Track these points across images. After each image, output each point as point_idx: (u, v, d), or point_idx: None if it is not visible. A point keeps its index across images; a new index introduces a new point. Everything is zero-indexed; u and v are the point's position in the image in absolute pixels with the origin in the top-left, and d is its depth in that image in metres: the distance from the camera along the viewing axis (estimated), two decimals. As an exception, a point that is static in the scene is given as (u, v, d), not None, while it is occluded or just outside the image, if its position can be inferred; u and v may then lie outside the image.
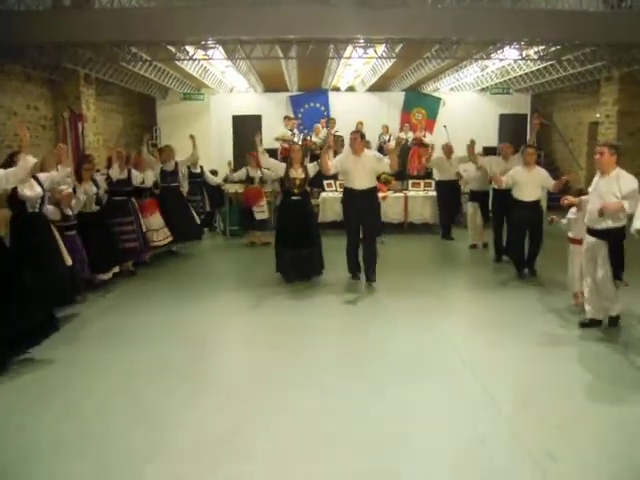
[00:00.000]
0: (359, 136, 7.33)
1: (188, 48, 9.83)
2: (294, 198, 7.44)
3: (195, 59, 10.62)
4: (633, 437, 3.60)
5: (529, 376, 4.61)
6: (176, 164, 9.56)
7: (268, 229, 10.32)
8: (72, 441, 3.64)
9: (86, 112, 11.30)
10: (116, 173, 7.89)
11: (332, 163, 7.35)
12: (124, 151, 8.45)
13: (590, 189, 5.48)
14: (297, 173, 7.37)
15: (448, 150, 10.48)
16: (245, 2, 8.47)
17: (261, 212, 10.24)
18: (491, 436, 3.64)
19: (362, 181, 7.24)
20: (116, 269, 7.62)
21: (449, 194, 10.61)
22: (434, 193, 11.50)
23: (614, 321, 5.55)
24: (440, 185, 10.90)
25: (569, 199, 5.96)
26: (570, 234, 6.14)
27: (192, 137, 9.77)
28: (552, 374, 4.61)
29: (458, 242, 10.38)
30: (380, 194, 10.81)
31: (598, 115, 13.33)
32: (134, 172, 8.21)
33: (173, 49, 9.69)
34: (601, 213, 5.08)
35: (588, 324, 5.58)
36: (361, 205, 7.27)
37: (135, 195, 8.28)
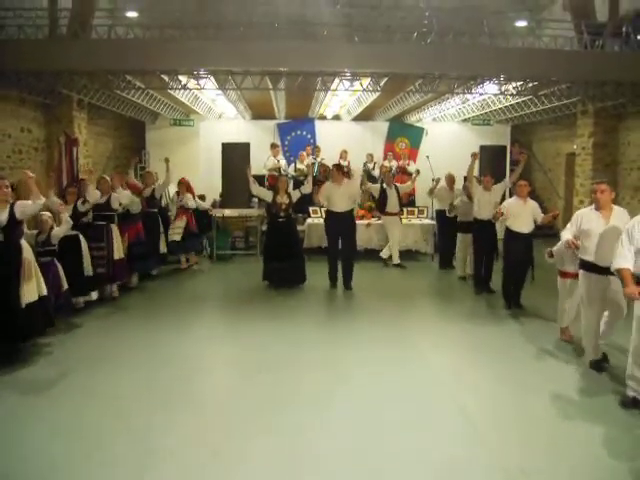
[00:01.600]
0: (336, 169, 9.17)
1: (181, 77, 10.14)
2: (280, 220, 8.89)
3: (187, 88, 10.93)
4: (597, 458, 3.87)
5: (508, 402, 4.80)
6: (153, 189, 9.77)
7: (185, 251, 10.57)
8: (62, 462, 3.78)
9: (78, 135, 11.55)
10: (93, 196, 7.80)
11: (322, 196, 8.99)
12: (107, 177, 8.42)
13: (589, 227, 5.35)
14: (283, 199, 8.83)
15: (450, 180, 10.49)
16: (237, 35, 8.86)
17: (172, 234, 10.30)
18: (466, 453, 3.90)
19: (342, 205, 8.89)
20: (95, 295, 7.62)
21: (448, 224, 10.29)
22: (418, 221, 11.82)
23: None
24: (440, 214, 10.76)
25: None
26: (560, 267, 6.17)
27: (166, 160, 9.87)
28: (531, 400, 4.82)
29: (445, 273, 10.49)
30: (365, 221, 11.36)
31: (575, 147, 13.82)
32: (114, 196, 8.15)
33: (166, 78, 10.02)
34: None
35: (597, 367, 5.50)
36: (341, 224, 8.90)
37: (120, 219, 8.38)
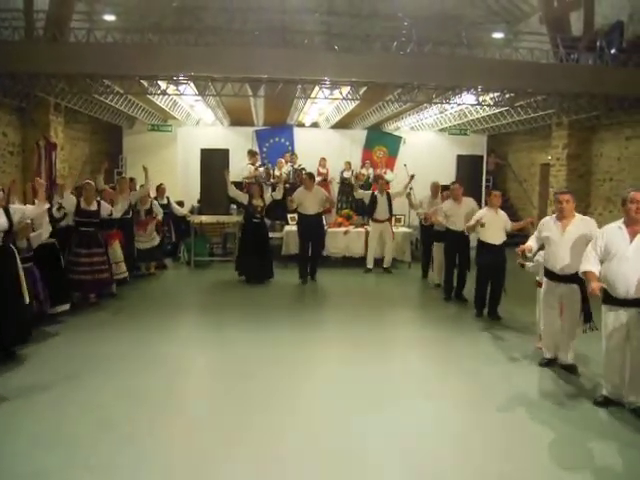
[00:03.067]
0: (307, 177, 10.22)
1: (160, 83, 10.08)
2: (255, 220, 9.92)
3: (167, 94, 10.86)
4: (580, 459, 3.96)
5: (488, 407, 4.81)
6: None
7: (154, 259, 10.49)
8: (48, 470, 3.68)
9: (55, 140, 11.39)
10: (68, 203, 7.71)
11: (294, 200, 9.93)
12: (93, 183, 8.35)
13: (549, 234, 5.57)
14: (258, 202, 9.92)
15: (435, 190, 10.16)
16: (217, 42, 8.85)
17: (143, 242, 10.19)
18: (445, 458, 3.93)
19: (312, 208, 9.93)
20: (66, 307, 7.35)
21: (431, 236, 9.91)
22: (395, 229, 11.85)
23: (572, 368, 5.62)
24: (423, 226, 10.41)
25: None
26: (539, 278, 6.19)
27: (145, 169, 9.73)
28: (508, 405, 4.87)
29: (425, 281, 10.38)
30: (343, 228, 11.44)
31: (549, 157, 14.04)
32: (103, 204, 8.17)
33: (146, 83, 9.95)
34: None
35: (547, 364, 5.78)
36: (311, 225, 9.96)
37: (101, 227, 8.21)
